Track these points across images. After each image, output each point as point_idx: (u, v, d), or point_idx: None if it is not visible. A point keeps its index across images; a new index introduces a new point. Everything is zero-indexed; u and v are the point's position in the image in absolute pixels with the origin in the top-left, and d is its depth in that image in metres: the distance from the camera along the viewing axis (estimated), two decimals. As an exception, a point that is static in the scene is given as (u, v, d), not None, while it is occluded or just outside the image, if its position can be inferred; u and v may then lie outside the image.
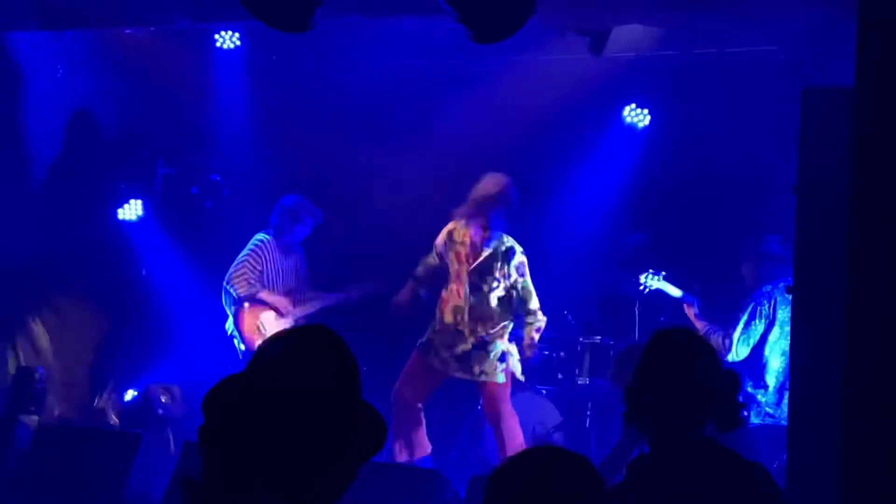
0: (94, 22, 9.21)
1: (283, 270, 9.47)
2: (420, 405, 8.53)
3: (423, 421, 8.55)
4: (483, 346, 8.34)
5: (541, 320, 8.39)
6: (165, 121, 10.74)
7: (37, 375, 9.60)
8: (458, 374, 8.43)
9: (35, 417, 9.08)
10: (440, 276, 8.57)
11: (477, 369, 8.35)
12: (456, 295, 8.39)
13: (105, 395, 10.55)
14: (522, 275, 8.34)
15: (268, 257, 9.38)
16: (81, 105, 10.92)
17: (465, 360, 8.35)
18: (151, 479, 7.78)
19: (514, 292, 8.36)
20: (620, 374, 7.03)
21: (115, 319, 10.79)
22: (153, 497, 7.60)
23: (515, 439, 8.33)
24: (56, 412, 10.23)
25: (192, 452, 7.49)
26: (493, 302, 8.33)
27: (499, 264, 8.30)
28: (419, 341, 8.53)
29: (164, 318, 10.73)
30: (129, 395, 10.47)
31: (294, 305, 9.47)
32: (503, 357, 8.39)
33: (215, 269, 9.82)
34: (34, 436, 8.11)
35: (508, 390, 8.46)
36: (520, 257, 8.33)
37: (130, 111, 10.74)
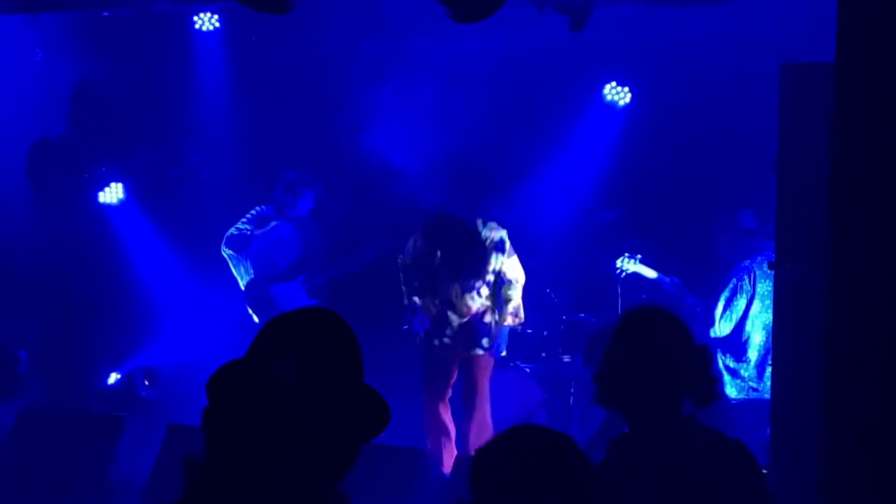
0: (71, 4, 9.17)
1: (283, 238, 9.60)
2: (448, 413, 8.47)
3: (453, 434, 8.49)
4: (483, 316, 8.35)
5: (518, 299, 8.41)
6: (145, 104, 10.68)
7: (19, 359, 9.57)
8: (469, 350, 8.35)
9: (18, 401, 9.05)
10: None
11: (486, 341, 8.35)
12: (440, 287, 8.36)
13: (88, 379, 10.51)
14: (511, 255, 8.33)
15: (262, 222, 9.55)
16: (60, 89, 10.86)
17: (469, 331, 8.33)
18: (135, 462, 7.77)
19: (502, 277, 8.35)
20: (593, 356, 7.02)
21: (98, 303, 10.74)
22: (136, 480, 7.59)
23: (485, 419, 8.31)
24: (39, 396, 10.20)
25: (176, 435, 7.48)
26: (483, 292, 8.35)
27: (491, 257, 8.28)
28: (419, 340, 8.50)
29: (146, 301, 10.70)
30: (113, 378, 10.44)
31: (304, 274, 9.62)
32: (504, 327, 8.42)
33: (196, 252, 9.78)
34: (17, 419, 8.07)
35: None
36: (508, 244, 8.32)
37: (110, 94, 10.69)
